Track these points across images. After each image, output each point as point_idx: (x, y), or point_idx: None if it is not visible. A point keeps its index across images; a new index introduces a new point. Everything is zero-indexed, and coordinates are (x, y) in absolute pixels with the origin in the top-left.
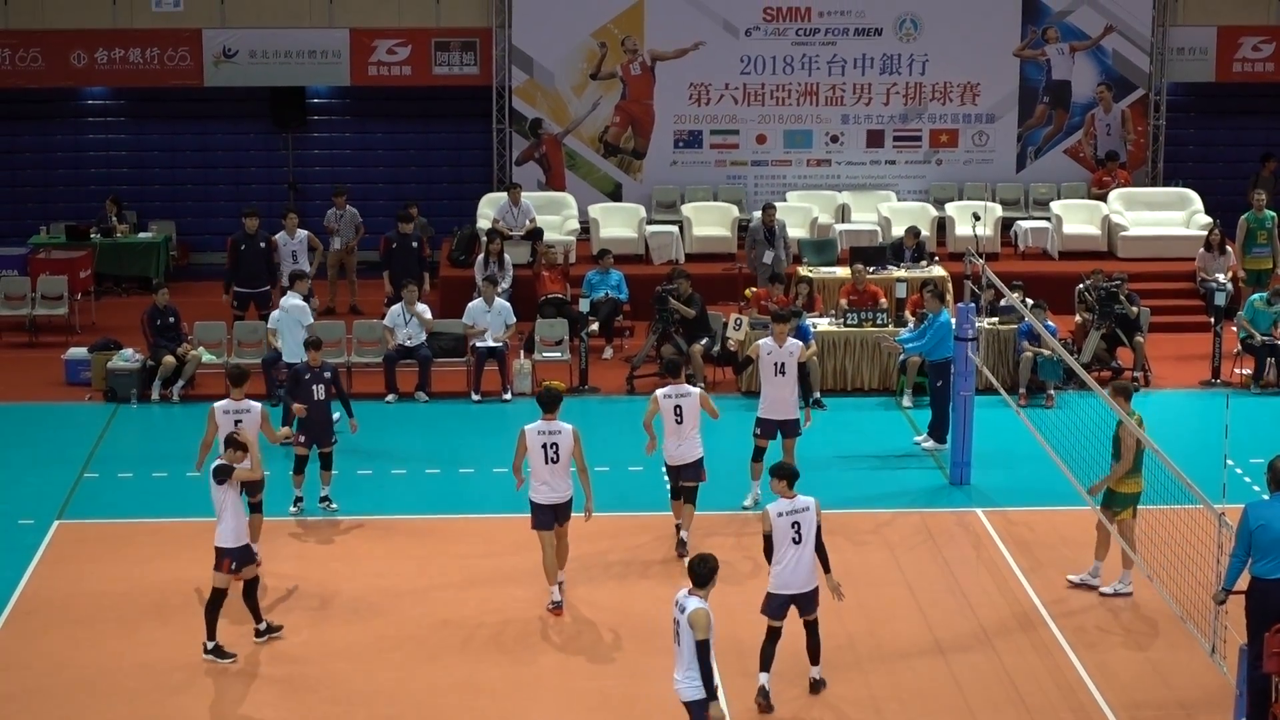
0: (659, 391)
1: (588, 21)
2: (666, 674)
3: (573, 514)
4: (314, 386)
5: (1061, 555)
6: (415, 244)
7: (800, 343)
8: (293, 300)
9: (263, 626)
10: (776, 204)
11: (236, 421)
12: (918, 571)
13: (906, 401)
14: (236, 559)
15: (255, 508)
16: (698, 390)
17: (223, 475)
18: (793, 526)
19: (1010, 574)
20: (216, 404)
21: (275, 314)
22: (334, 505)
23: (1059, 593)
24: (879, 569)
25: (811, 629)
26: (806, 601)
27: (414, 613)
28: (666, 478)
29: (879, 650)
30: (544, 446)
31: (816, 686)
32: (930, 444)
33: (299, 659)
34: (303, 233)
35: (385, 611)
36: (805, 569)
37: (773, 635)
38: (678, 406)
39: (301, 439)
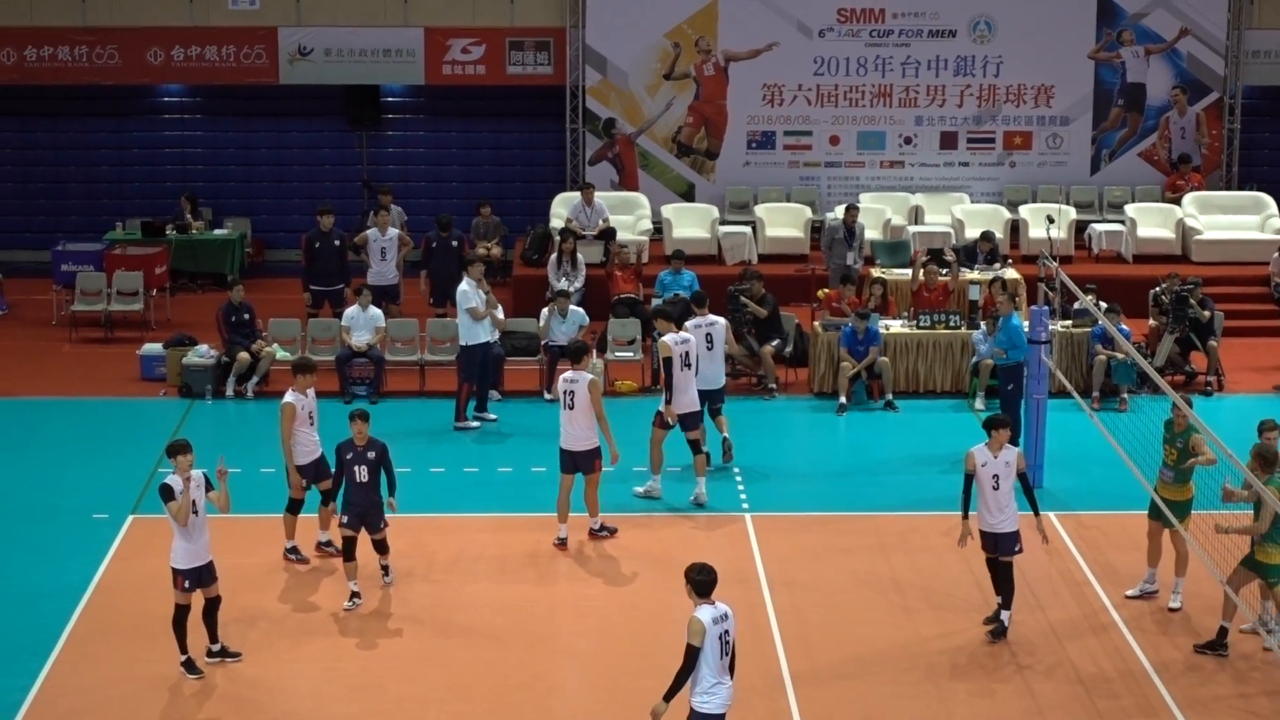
0: (689, 323)
1: (662, 22)
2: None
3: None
4: (356, 468)
5: (1133, 559)
6: (455, 243)
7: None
8: (462, 285)
9: (216, 648)
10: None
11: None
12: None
13: (979, 404)
14: (190, 578)
15: (327, 497)
16: (724, 321)
17: (165, 496)
18: (993, 478)
19: (1083, 578)
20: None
21: (349, 311)
22: (389, 578)
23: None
24: (951, 570)
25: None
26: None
27: (485, 609)
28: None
29: (950, 652)
30: (564, 393)
31: (1001, 631)
32: None
33: (372, 657)
34: (394, 230)
35: (456, 606)
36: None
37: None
38: (709, 335)
39: (345, 519)
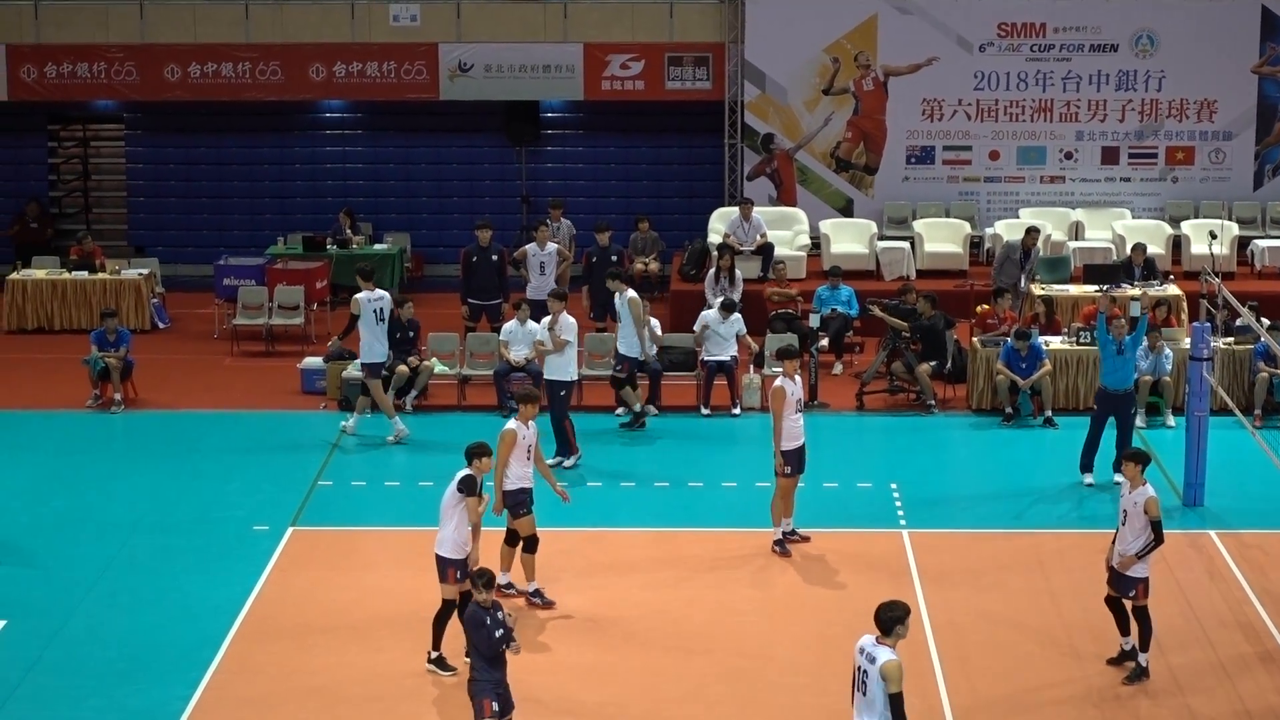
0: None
1: (821, 36)
2: None
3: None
4: (498, 632)
5: None
6: (614, 257)
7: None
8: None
9: (435, 655)
10: (1007, 220)
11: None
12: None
13: (1138, 421)
14: (461, 569)
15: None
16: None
17: (470, 487)
18: (1123, 513)
19: (1244, 597)
20: None
21: (507, 325)
22: None
23: None
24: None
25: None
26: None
27: (640, 627)
28: None
29: (1112, 674)
30: (797, 399)
31: (1137, 674)
32: None
33: (531, 669)
34: (553, 245)
35: (615, 617)
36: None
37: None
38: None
39: (496, 708)
